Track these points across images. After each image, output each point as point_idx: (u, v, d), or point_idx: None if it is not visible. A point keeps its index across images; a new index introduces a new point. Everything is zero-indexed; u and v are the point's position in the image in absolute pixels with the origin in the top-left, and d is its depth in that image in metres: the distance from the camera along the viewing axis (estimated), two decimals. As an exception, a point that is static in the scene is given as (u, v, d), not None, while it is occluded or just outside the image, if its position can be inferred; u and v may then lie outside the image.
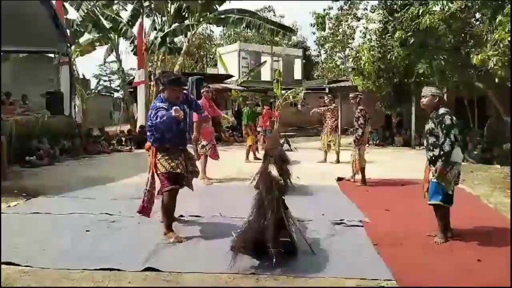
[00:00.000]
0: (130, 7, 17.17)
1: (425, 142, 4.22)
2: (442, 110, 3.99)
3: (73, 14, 16.32)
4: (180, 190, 4.27)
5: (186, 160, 4.30)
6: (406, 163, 9.37)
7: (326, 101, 10.31)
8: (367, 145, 7.37)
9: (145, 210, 4.28)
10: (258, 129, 13.54)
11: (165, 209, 4.18)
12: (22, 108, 11.30)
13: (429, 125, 4.07)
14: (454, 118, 3.95)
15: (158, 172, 4.12)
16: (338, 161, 9.73)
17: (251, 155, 10.57)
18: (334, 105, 10.23)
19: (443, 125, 3.89)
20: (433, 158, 4.00)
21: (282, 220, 3.45)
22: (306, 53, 36.40)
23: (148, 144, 4.29)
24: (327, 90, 21.77)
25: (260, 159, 9.96)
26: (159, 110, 3.97)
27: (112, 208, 5.11)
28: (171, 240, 4.01)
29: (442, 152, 3.86)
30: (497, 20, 7.81)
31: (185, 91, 4.55)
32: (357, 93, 7.54)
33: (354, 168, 7.11)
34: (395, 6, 11.68)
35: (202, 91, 7.63)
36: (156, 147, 4.15)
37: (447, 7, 9.50)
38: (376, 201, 5.84)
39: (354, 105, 7.14)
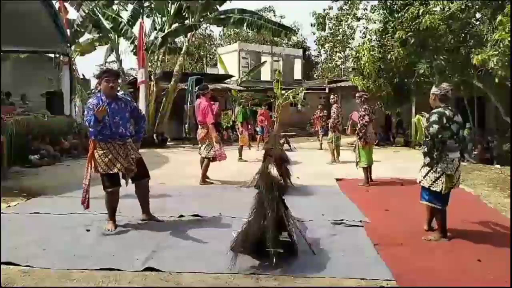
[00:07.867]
0: (130, 7, 17.16)
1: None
2: (435, 110, 4.05)
3: (73, 14, 16.31)
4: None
5: (125, 155, 4.27)
6: (406, 163, 9.36)
7: (331, 100, 10.30)
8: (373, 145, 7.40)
9: (83, 201, 4.40)
10: (257, 128, 13.60)
11: (109, 207, 4.38)
12: (22, 108, 11.28)
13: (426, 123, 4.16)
14: (442, 114, 3.94)
15: (96, 170, 4.25)
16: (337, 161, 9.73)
17: (245, 154, 10.59)
18: (336, 105, 10.25)
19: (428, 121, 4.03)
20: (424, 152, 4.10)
21: (282, 220, 3.45)
22: (306, 53, 36.43)
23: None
24: (327, 90, 21.80)
25: (244, 160, 10.04)
26: (89, 110, 4.15)
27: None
28: (107, 227, 4.29)
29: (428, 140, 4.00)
30: (497, 20, 7.81)
31: (131, 100, 4.59)
32: (363, 92, 7.57)
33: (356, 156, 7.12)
34: (395, 6, 11.70)
35: (201, 91, 7.62)
36: (94, 141, 4.25)
37: (447, 7, 9.51)
38: (376, 201, 5.84)
39: (359, 104, 7.12)
